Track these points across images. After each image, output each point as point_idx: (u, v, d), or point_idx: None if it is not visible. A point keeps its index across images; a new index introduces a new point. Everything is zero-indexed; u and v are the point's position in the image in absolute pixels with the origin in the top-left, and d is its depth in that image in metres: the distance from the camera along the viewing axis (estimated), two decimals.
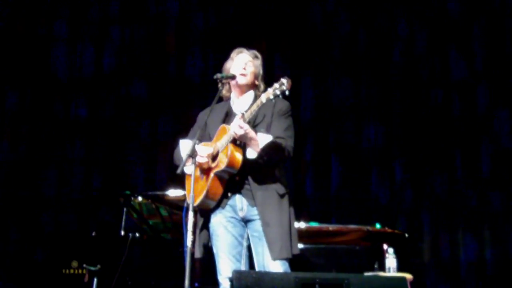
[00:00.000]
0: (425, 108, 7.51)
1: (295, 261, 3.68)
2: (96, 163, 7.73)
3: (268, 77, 3.88)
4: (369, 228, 5.52)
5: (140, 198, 5.60)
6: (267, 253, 3.58)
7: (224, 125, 3.72)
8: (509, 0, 7.46)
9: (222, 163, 3.60)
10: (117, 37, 8.07)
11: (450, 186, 7.26)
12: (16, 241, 7.38)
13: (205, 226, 3.77)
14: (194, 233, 3.45)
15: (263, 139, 3.59)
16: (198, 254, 3.71)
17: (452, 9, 7.62)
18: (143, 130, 7.81)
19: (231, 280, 3.25)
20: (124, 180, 7.57)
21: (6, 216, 7.44)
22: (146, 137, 7.79)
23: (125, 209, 5.44)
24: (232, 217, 3.70)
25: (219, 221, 3.70)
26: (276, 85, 3.50)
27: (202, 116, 3.96)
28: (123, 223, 5.37)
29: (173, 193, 5.47)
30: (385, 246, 5.09)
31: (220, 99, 3.88)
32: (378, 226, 5.61)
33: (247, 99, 3.84)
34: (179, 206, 5.29)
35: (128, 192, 5.56)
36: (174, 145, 3.94)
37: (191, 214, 3.39)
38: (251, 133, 3.56)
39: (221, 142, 3.64)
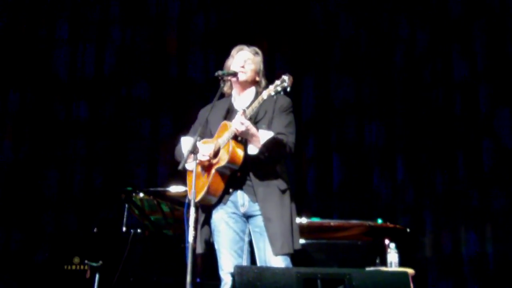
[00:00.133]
0: (426, 107, 7.51)
1: (296, 257, 3.68)
2: (98, 162, 7.75)
3: (270, 77, 3.88)
4: (371, 223, 5.52)
5: (141, 194, 5.61)
6: (269, 248, 3.59)
7: (225, 121, 3.73)
8: (510, 0, 7.45)
9: (223, 159, 3.61)
10: (118, 38, 8.09)
11: (451, 184, 7.26)
12: (18, 240, 7.39)
13: (207, 221, 3.78)
14: (195, 229, 3.45)
15: (264, 135, 3.60)
16: (199, 249, 3.72)
17: (453, 9, 7.62)
18: (144, 130, 7.83)
19: (233, 275, 3.26)
20: (125, 181, 7.56)
21: (8, 215, 7.45)
22: (147, 137, 7.80)
23: (126, 205, 5.46)
24: (234, 213, 3.71)
25: (221, 217, 3.71)
26: (277, 81, 3.52)
27: (203, 113, 3.97)
28: (124, 219, 5.38)
29: (174, 189, 5.48)
30: (386, 241, 5.09)
31: (222, 96, 3.88)
32: (380, 221, 5.61)
33: (248, 96, 3.85)
34: (180, 202, 5.30)
35: (129, 188, 5.56)
36: (175, 143, 3.95)
37: (192, 210, 3.40)
38: (253, 129, 3.57)
39: (223, 138, 3.65)
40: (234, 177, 3.68)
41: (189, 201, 3.45)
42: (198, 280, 4.98)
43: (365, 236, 5.45)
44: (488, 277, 6.94)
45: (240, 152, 3.60)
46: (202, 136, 3.69)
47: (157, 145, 7.77)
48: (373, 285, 3.31)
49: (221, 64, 4.02)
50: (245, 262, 3.69)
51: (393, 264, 4.90)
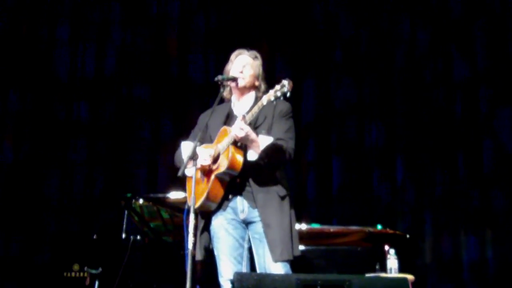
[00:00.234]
0: (427, 108, 7.50)
1: (296, 263, 3.67)
2: (98, 165, 7.74)
3: (270, 78, 3.88)
4: (371, 229, 5.52)
5: (141, 201, 5.60)
6: (268, 255, 3.58)
7: (225, 127, 3.72)
8: (510, 0, 7.46)
9: (223, 165, 3.60)
10: (118, 38, 8.09)
11: (452, 186, 7.24)
12: (18, 243, 7.37)
13: (206, 228, 3.77)
14: (195, 235, 3.44)
15: (264, 141, 3.59)
16: (199, 256, 3.71)
17: (454, 9, 7.61)
18: (144, 132, 7.82)
19: (232, 282, 3.24)
20: (125, 182, 7.57)
21: (8, 218, 7.43)
22: (147, 139, 7.80)
23: (126, 211, 5.45)
24: (233, 219, 3.70)
25: (220, 223, 3.70)
26: (277, 86, 3.50)
27: (203, 118, 3.96)
28: (124, 225, 5.37)
29: (174, 195, 5.47)
30: (386, 247, 5.08)
31: (221, 101, 3.87)
32: (379, 227, 5.61)
33: (248, 101, 3.85)
34: (180, 208, 5.29)
35: (129, 195, 5.55)
36: (176, 147, 3.94)
37: (192, 217, 3.39)
38: (252, 135, 3.56)
39: (222, 144, 3.64)
40: (234, 183, 3.67)
41: (189, 207, 3.44)
42: (197, 287, 4.97)
43: (364, 242, 5.45)
44: (488, 282, 6.93)
45: (239, 158, 3.59)
46: (202, 142, 3.68)
47: (157, 146, 7.77)
48: None
49: (221, 65, 4.02)
50: (244, 268, 3.68)
51: (393, 270, 4.89)
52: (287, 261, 3.60)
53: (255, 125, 3.69)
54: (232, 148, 3.58)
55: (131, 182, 7.58)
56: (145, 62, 8.04)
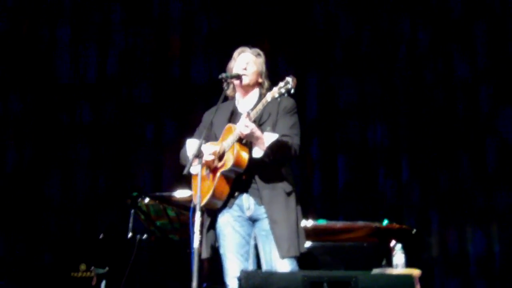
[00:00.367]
0: (429, 106, 7.50)
1: (302, 259, 3.69)
2: (102, 166, 7.74)
3: (273, 78, 3.87)
4: (377, 224, 5.51)
5: (147, 199, 5.60)
6: (275, 251, 3.59)
7: (230, 124, 3.72)
8: (511, 0, 7.45)
9: (228, 162, 3.60)
10: (120, 41, 8.07)
11: (456, 183, 7.25)
12: (23, 245, 7.39)
13: (212, 226, 3.77)
14: (201, 233, 3.44)
15: (269, 137, 3.59)
16: (205, 254, 3.71)
17: (454, 9, 7.61)
18: (148, 133, 7.82)
19: (239, 279, 3.25)
20: (130, 182, 7.57)
21: (12, 219, 7.45)
22: (151, 140, 7.80)
23: (132, 210, 5.44)
24: (239, 216, 3.70)
25: (227, 221, 3.71)
26: (281, 83, 3.51)
27: (207, 116, 3.96)
28: (130, 224, 5.37)
29: (180, 193, 5.47)
30: (393, 242, 5.08)
31: (225, 99, 3.87)
32: (385, 222, 5.60)
33: (252, 98, 3.85)
34: (186, 206, 5.29)
35: (135, 194, 5.55)
36: (180, 146, 3.95)
37: (198, 214, 3.39)
38: (257, 132, 3.56)
39: (227, 141, 3.64)
40: (239, 180, 3.68)
41: (195, 205, 3.45)
42: (204, 285, 4.97)
43: (371, 237, 5.44)
44: (495, 276, 6.93)
45: (245, 155, 3.59)
46: (207, 139, 3.68)
47: (161, 148, 7.76)
48: None
49: (223, 66, 4.02)
50: (251, 266, 3.68)
51: (399, 265, 4.87)
52: (293, 257, 3.60)
53: (259, 122, 3.69)
54: (237, 146, 3.59)
55: (134, 182, 7.58)
56: (147, 63, 8.03)
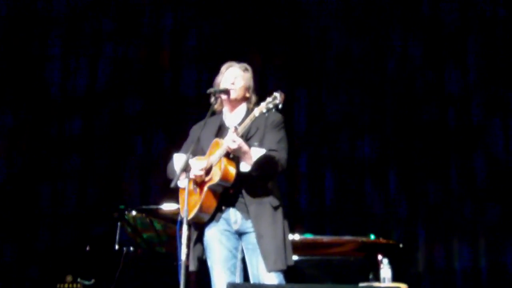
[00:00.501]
0: (419, 119, 7.53)
1: (290, 273, 3.68)
2: (91, 179, 7.72)
3: (262, 91, 3.88)
4: (364, 239, 5.53)
5: (134, 212, 5.60)
6: (262, 265, 3.58)
7: (217, 139, 3.73)
8: (503, 13, 7.51)
9: (215, 176, 3.60)
10: (110, 53, 8.07)
11: (444, 197, 7.27)
12: (11, 256, 7.35)
13: (199, 239, 3.77)
14: (188, 246, 3.45)
15: (256, 152, 3.59)
16: (192, 267, 3.71)
17: (446, 22, 7.66)
18: (137, 146, 7.81)
19: None
20: (118, 195, 7.55)
21: (1, 231, 7.41)
22: (140, 153, 7.79)
23: (119, 223, 5.44)
24: (226, 230, 3.70)
25: (213, 234, 3.71)
26: (269, 99, 3.51)
27: (195, 130, 3.97)
28: (117, 237, 5.37)
29: (167, 206, 5.47)
30: (379, 257, 5.10)
31: (213, 113, 3.88)
32: (372, 237, 5.62)
33: (239, 113, 3.86)
34: (173, 219, 5.29)
35: (122, 206, 5.55)
36: (168, 159, 3.95)
37: (185, 228, 3.40)
38: (245, 147, 3.56)
39: (215, 156, 3.65)
40: (227, 194, 3.68)
41: (182, 219, 3.45)
42: None
43: (358, 252, 5.46)
44: None
45: (232, 170, 3.60)
46: (194, 154, 3.68)
47: (150, 160, 7.74)
48: None
49: (214, 79, 4.02)
50: (238, 279, 3.68)
51: (386, 280, 4.90)
52: (280, 271, 3.59)
53: (247, 137, 3.70)
54: (224, 160, 3.59)
55: (123, 195, 7.56)
56: (137, 76, 8.03)
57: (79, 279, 5.10)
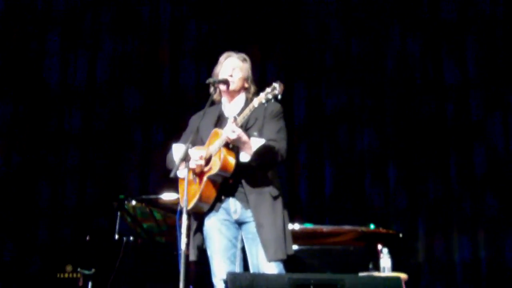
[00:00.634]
0: (418, 112, 7.53)
1: (289, 262, 3.69)
2: (91, 172, 7.72)
3: (261, 84, 3.89)
4: (363, 228, 5.54)
5: (134, 202, 5.61)
6: (262, 254, 3.60)
7: (216, 129, 3.73)
8: (501, 7, 7.50)
9: (215, 167, 3.61)
10: (109, 47, 8.06)
11: (444, 189, 7.29)
12: (11, 250, 7.35)
13: (199, 229, 3.78)
14: (188, 236, 3.46)
15: (256, 142, 3.60)
16: (192, 257, 3.73)
17: (444, 17, 7.65)
18: (136, 139, 7.81)
19: (225, 282, 3.26)
20: (118, 188, 7.54)
21: (1, 226, 7.42)
22: (139, 146, 7.79)
23: (119, 212, 5.45)
24: (226, 220, 3.71)
25: (213, 224, 3.72)
26: (268, 89, 3.51)
27: (194, 120, 3.97)
28: (117, 227, 5.37)
29: (166, 196, 5.49)
30: (379, 247, 5.11)
31: (212, 103, 3.88)
32: (372, 226, 5.63)
33: (238, 103, 3.86)
34: (173, 209, 5.30)
35: (122, 196, 5.56)
36: (168, 151, 3.95)
37: (185, 217, 3.41)
38: (244, 137, 3.57)
39: (214, 146, 3.65)
40: (226, 184, 3.69)
41: (181, 208, 3.46)
42: (191, 287, 4.99)
43: (357, 241, 5.47)
44: (481, 283, 6.96)
45: (231, 160, 3.61)
46: (193, 144, 3.69)
47: (149, 154, 7.74)
48: None
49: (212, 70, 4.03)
50: (238, 268, 3.69)
51: (386, 269, 4.91)
52: (280, 260, 3.61)
53: (246, 127, 3.70)
54: (224, 150, 3.60)
55: (123, 189, 7.55)
56: (136, 70, 8.02)
57: (79, 269, 5.12)
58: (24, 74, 7.89)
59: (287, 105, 3.92)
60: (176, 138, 4.03)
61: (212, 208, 3.72)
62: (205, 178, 3.66)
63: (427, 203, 7.29)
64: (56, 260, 5.31)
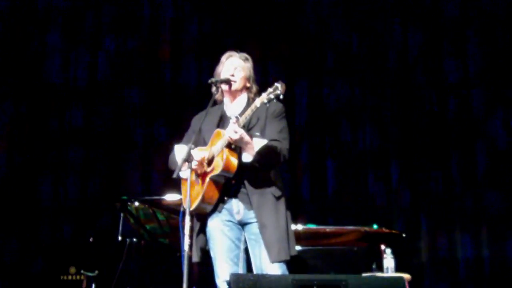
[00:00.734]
0: (420, 110, 7.53)
1: (293, 263, 3.68)
2: (93, 171, 7.72)
3: (263, 82, 3.88)
4: (367, 228, 5.53)
5: (136, 203, 5.60)
6: (265, 255, 3.59)
7: (218, 129, 3.72)
8: (503, 4, 7.49)
9: (217, 167, 3.60)
10: (111, 46, 8.05)
11: (446, 187, 7.28)
12: (13, 249, 7.36)
13: (202, 230, 3.77)
14: (191, 237, 3.45)
15: (258, 143, 3.59)
16: (195, 258, 3.72)
17: (446, 13, 7.64)
18: (138, 137, 7.81)
19: (228, 283, 3.25)
20: (120, 186, 7.55)
21: (3, 224, 7.42)
22: (141, 144, 7.79)
23: (122, 214, 5.45)
24: (229, 221, 3.70)
25: (216, 225, 3.71)
26: (270, 89, 3.50)
27: (196, 121, 3.96)
28: (120, 228, 5.37)
29: (169, 197, 5.48)
30: (382, 247, 5.10)
31: (214, 103, 3.87)
32: (375, 226, 5.62)
33: (240, 103, 3.85)
34: (176, 210, 5.29)
35: (125, 197, 5.56)
36: (170, 150, 3.94)
37: (187, 218, 3.40)
38: (246, 137, 3.55)
39: (216, 146, 3.64)
40: (229, 185, 3.68)
41: (184, 209, 3.45)
42: None
43: (361, 241, 5.46)
44: (484, 281, 6.95)
45: (234, 160, 3.59)
46: (195, 144, 3.67)
47: (151, 152, 7.74)
48: None
49: (214, 69, 4.01)
50: (241, 269, 3.68)
51: (389, 270, 4.90)
52: (283, 261, 3.60)
53: (248, 127, 3.69)
54: (226, 151, 3.59)
55: (125, 186, 7.56)
56: (138, 67, 8.02)
57: (82, 271, 5.12)
58: (26, 73, 7.89)
59: (288, 104, 3.91)
60: (178, 137, 4.02)
61: (215, 209, 3.71)
62: (207, 179, 3.65)
63: (430, 200, 7.29)
64: (59, 262, 5.30)
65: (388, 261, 4.93)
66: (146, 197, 5.85)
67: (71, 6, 8.11)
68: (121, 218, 5.42)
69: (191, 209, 3.54)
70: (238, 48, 4.02)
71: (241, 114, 3.63)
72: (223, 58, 3.95)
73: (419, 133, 7.47)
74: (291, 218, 3.77)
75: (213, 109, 3.89)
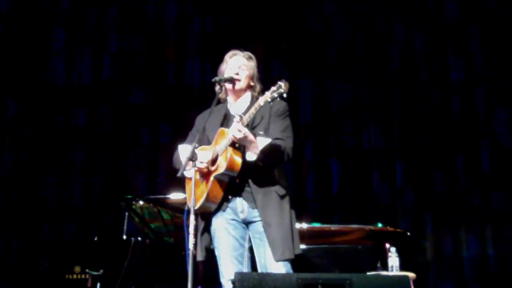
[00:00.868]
0: (425, 109, 7.52)
1: (297, 262, 3.68)
2: (97, 170, 7.74)
3: (266, 80, 3.88)
4: (371, 227, 5.53)
5: (141, 202, 5.61)
6: (269, 254, 3.59)
7: (222, 128, 3.73)
8: (506, 2, 7.48)
9: (221, 166, 3.60)
10: (115, 45, 8.07)
11: (451, 186, 7.27)
12: (18, 249, 7.37)
13: (207, 229, 3.77)
14: (195, 236, 3.45)
15: (262, 141, 3.59)
16: (200, 257, 3.72)
17: (449, 11, 7.63)
18: (142, 137, 7.82)
19: (233, 282, 3.25)
20: (124, 186, 7.56)
21: (8, 224, 7.44)
22: (146, 143, 7.80)
23: (127, 213, 5.46)
24: (233, 219, 3.71)
25: (220, 224, 3.71)
26: (273, 88, 3.50)
27: (200, 120, 3.96)
28: (125, 227, 5.38)
29: (174, 196, 5.48)
30: (387, 245, 5.09)
31: (217, 102, 3.87)
32: (380, 225, 5.62)
33: (244, 101, 3.85)
34: (180, 209, 5.30)
35: (129, 196, 5.57)
36: (174, 150, 3.95)
37: (192, 217, 3.40)
38: (250, 136, 3.55)
39: (220, 145, 3.65)
40: (233, 184, 3.68)
41: (189, 208, 3.45)
42: (199, 287, 4.98)
43: (365, 240, 5.45)
44: (489, 280, 6.94)
45: (238, 159, 3.59)
46: (199, 143, 3.68)
47: (156, 152, 7.76)
48: None
49: (218, 69, 4.01)
50: (245, 268, 3.68)
51: (394, 268, 4.90)
52: (288, 260, 3.60)
53: (252, 126, 3.69)
54: (230, 150, 3.58)
55: (130, 186, 7.57)
56: (142, 67, 8.04)
57: (87, 270, 5.12)
58: (30, 73, 7.92)
59: (292, 102, 3.90)
60: (182, 136, 4.02)
61: (219, 208, 3.71)
62: (211, 178, 3.65)
63: (434, 199, 7.28)
64: (64, 261, 5.32)
65: (393, 259, 4.92)
66: (151, 196, 5.87)
67: (75, 6, 8.13)
68: (126, 217, 5.43)
69: (196, 208, 3.53)
70: (242, 47, 4.02)
71: (245, 113, 3.63)
72: (227, 56, 3.95)
73: (424, 132, 7.46)
74: (296, 217, 3.76)
75: (217, 108, 3.90)
